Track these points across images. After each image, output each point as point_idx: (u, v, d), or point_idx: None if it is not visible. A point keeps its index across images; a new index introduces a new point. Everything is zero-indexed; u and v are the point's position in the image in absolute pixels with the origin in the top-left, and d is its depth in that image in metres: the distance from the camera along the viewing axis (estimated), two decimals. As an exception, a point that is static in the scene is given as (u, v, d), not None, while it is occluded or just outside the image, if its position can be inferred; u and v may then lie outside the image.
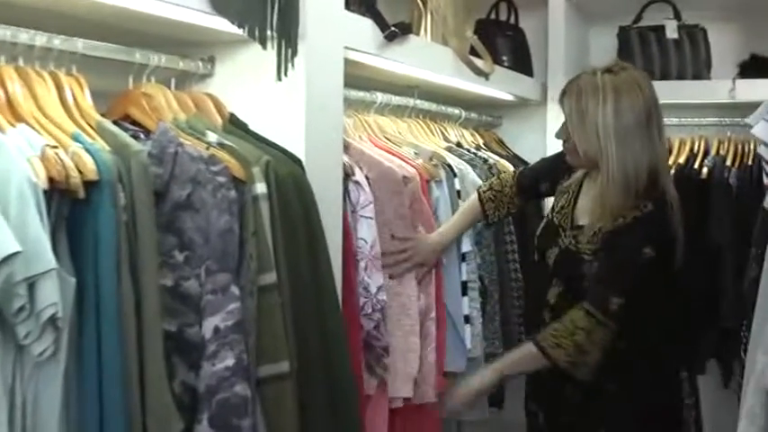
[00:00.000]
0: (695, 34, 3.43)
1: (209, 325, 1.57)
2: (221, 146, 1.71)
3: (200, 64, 1.90)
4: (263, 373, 1.63)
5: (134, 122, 1.73)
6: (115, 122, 1.65)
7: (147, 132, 1.69)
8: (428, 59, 2.51)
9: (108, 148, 1.50)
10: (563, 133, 2.21)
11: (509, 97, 3.29)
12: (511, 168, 2.89)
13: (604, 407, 2.13)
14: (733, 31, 3.56)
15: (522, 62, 3.39)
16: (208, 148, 1.67)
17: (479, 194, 2.49)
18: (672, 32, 3.38)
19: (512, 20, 3.48)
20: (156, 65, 1.75)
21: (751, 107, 3.27)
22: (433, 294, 2.36)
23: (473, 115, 3.21)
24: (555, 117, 3.50)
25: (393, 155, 2.35)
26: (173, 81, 1.84)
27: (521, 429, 2.41)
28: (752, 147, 3.32)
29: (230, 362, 1.56)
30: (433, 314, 2.33)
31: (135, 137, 1.62)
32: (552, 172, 2.43)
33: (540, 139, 3.51)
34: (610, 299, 2.04)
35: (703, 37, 3.44)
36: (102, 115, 1.65)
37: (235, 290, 1.59)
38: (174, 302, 1.59)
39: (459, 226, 2.46)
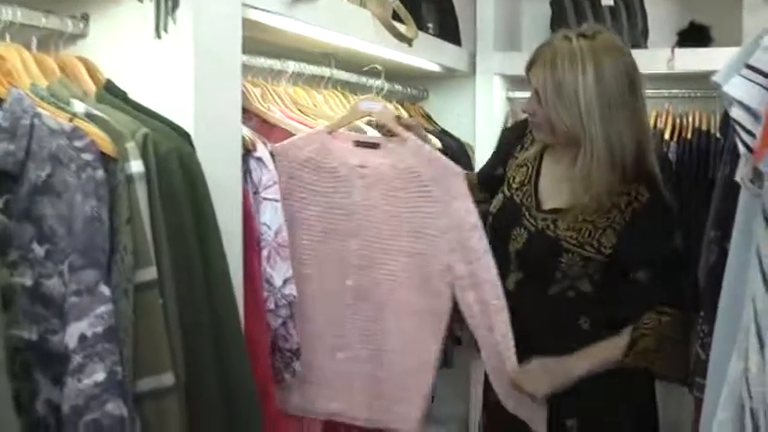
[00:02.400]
0: (632, 1, 3.26)
1: (73, 332, 1.32)
2: (90, 117, 1.44)
3: (70, 22, 1.61)
4: (143, 387, 1.39)
5: (-21, 89, 1.45)
6: (-45, 89, 1.37)
7: (-3, 101, 1.42)
8: (343, 22, 2.25)
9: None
10: (530, 106, 2.03)
11: (435, 67, 3.05)
12: (439, 144, 2.67)
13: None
14: (671, -3, 3.40)
15: (449, 30, 3.16)
16: (71, 120, 1.40)
17: None
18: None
19: (438, -16, 3.24)
20: (10, 20, 1.47)
21: (691, 78, 3.16)
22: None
23: (397, 87, 2.97)
24: (484, 89, 3.31)
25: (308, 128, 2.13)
26: (34, 41, 1.55)
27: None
28: (691, 120, 3.17)
29: (100, 376, 1.31)
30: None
31: (-21, 106, 1.35)
32: (503, 151, 2.27)
33: (469, 112, 3.33)
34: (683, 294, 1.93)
35: (640, 4, 3.27)
36: (-60, 80, 1.37)
37: (104, 289, 1.34)
38: (35, 306, 1.34)
39: None
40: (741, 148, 1.07)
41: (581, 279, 1.99)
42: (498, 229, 2.11)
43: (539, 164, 2.11)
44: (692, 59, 3.07)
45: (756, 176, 1.11)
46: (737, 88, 1.06)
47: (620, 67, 1.92)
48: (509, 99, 3.47)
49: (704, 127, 3.13)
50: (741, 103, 1.05)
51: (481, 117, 3.30)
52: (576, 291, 2.00)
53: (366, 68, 2.56)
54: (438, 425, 3.06)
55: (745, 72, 1.07)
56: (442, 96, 3.35)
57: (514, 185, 2.12)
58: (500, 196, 2.15)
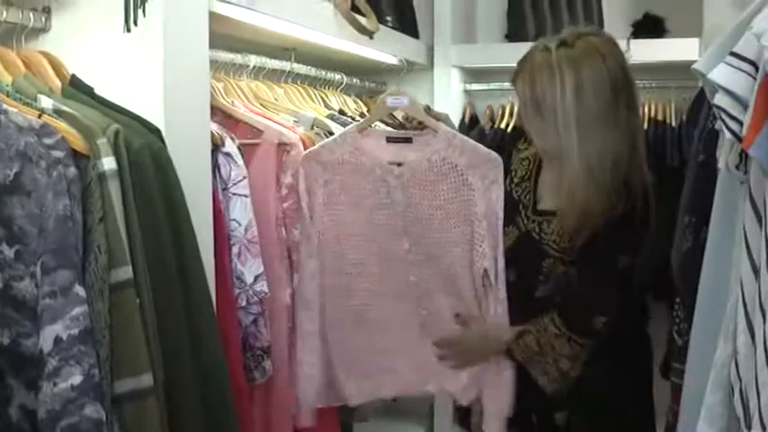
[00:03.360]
0: (587, -8, 3.28)
1: (48, 335, 1.28)
2: (59, 113, 1.41)
3: (32, 15, 1.56)
4: (121, 389, 1.36)
5: (-58, 86, 1.41)
6: None
7: (-40, 98, 1.37)
8: (306, 15, 2.23)
9: None
10: (519, 120, 2.04)
11: (393, 60, 3.04)
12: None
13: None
14: (625, -12, 3.42)
15: (407, 23, 3.14)
16: (40, 116, 1.36)
17: None
18: (563, -9, 3.21)
19: (395, -24, 3.22)
20: (-31, 14, 1.42)
21: (646, 69, 3.19)
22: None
23: (355, 81, 2.96)
24: (442, 82, 3.30)
25: (271, 121, 2.09)
26: (-5, 35, 1.51)
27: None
28: (646, 110, 3.19)
29: (77, 379, 1.28)
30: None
31: (-58, 103, 1.30)
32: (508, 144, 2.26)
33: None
34: (594, 320, 1.90)
35: (595, -5, 3.29)
36: None
37: (79, 290, 1.30)
38: (6, 308, 1.30)
39: None
40: (727, 135, 1.08)
41: (564, 283, 1.97)
42: None
43: (540, 160, 2.08)
44: (648, 50, 3.08)
45: (742, 162, 1.13)
46: (724, 76, 1.06)
47: (602, 75, 1.86)
48: (466, 91, 3.48)
49: (659, 117, 3.16)
50: (727, 91, 1.06)
51: (439, 109, 3.28)
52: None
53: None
54: (403, 417, 3.07)
55: (730, 60, 1.08)
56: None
57: (516, 179, 2.10)
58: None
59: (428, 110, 2.12)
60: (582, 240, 1.90)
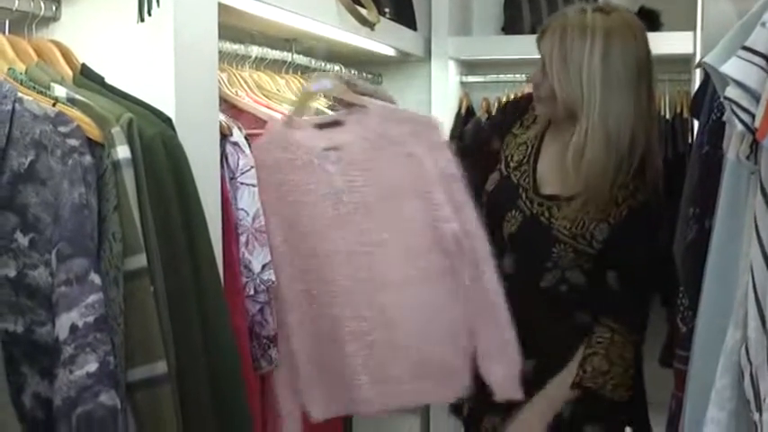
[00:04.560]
0: (583, -15, 3.29)
1: (64, 322, 1.28)
2: (72, 102, 1.41)
3: (43, 4, 1.56)
4: (135, 376, 1.36)
5: (-45, 74, 1.41)
6: (-70, 73, 1.33)
7: (-26, 86, 1.37)
8: (310, 6, 2.24)
9: None
10: (536, 77, 1.98)
11: (391, 52, 3.05)
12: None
13: None
14: (621, -18, 3.44)
15: (405, 15, 3.15)
16: (55, 105, 1.37)
17: None
18: (560, -16, 3.23)
19: (393, -32, 3.23)
20: (-20, 3, 1.42)
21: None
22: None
23: (354, 73, 2.96)
24: (439, 74, 3.32)
25: (275, 112, 2.09)
26: (6, 24, 1.51)
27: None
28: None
29: (93, 366, 1.28)
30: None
31: (-43, 91, 1.30)
32: (501, 124, 2.19)
33: (424, 97, 3.32)
34: (644, 316, 1.96)
35: (591, -12, 3.30)
36: None
37: (95, 278, 1.30)
38: (20, 297, 1.31)
39: None
40: (738, 126, 1.10)
41: (572, 270, 1.96)
42: (493, 210, 2.04)
43: (539, 144, 2.05)
44: (644, 44, 3.11)
45: (752, 152, 1.16)
46: (736, 69, 1.09)
47: (630, 51, 1.87)
48: (462, 83, 3.50)
49: (654, 109, 3.18)
50: (739, 83, 1.09)
51: (436, 101, 3.30)
52: (569, 284, 1.97)
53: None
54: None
55: (742, 53, 1.10)
56: (395, 81, 3.33)
57: (512, 164, 2.06)
58: (496, 175, 2.09)
59: (354, 86, 1.98)
60: (606, 233, 1.91)
